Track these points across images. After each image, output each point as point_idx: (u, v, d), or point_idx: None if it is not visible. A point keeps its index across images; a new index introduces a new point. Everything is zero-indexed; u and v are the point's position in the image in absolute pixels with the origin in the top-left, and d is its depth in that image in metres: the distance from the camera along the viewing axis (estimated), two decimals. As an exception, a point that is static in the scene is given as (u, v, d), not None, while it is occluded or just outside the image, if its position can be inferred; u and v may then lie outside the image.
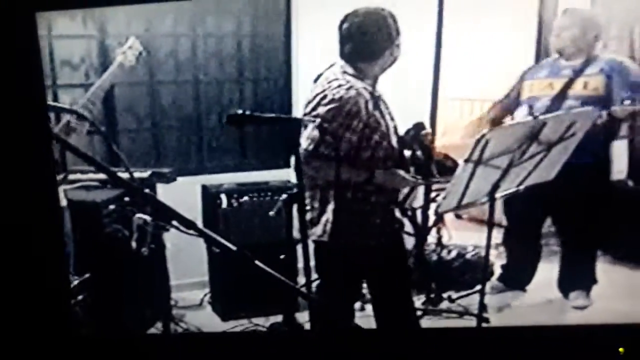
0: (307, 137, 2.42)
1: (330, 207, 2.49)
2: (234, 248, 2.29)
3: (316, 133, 2.40)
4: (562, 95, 3.24)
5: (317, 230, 2.54)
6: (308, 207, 2.56)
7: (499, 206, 4.29)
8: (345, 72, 2.47)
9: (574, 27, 3.25)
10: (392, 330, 2.72)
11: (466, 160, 2.32)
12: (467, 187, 2.40)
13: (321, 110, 2.41)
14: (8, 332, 2.22)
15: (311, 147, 2.40)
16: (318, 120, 2.38)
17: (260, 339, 2.95)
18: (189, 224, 2.21)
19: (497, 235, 4.26)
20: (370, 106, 2.43)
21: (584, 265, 3.56)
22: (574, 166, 2.70)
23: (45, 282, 2.19)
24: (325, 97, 2.42)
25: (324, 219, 2.52)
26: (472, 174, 2.37)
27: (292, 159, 2.31)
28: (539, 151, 2.48)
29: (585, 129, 2.57)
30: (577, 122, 2.50)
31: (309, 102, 2.50)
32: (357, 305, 3.24)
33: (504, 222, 3.78)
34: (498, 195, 2.54)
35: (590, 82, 3.21)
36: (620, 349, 2.42)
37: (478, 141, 2.26)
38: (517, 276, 3.70)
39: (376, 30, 2.43)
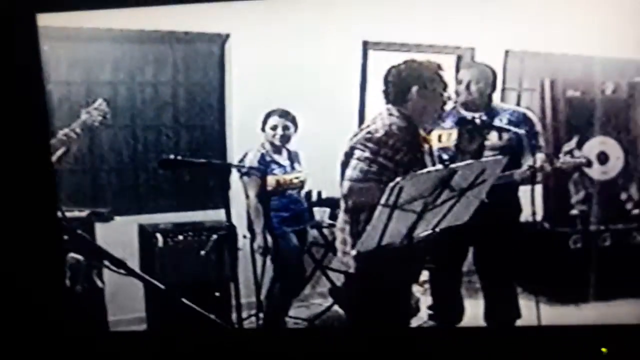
0: None
1: None
2: (161, 287, 2.42)
3: None
4: (480, 149, 3.35)
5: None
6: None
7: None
8: None
9: (481, 80, 3.40)
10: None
11: (382, 205, 2.49)
12: (384, 229, 2.57)
13: None
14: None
15: None
16: None
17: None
18: (118, 264, 2.33)
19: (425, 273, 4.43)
20: None
21: (505, 300, 3.67)
22: (487, 207, 2.87)
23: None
24: None
25: None
26: (389, 218, 2.53)
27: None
28: (451, 196, 2.65)
29: (495, 176, 2.77)
30: (487, 169, 2.69)
31: None
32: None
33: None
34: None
35: (503, 134, 3.35)
36: (603, 349, 2.56)
37: (392, 188, 2.44)
38: (447, 314, 3.76)
39: None
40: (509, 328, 3.40)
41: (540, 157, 3.32)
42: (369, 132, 2.72)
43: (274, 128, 3.63)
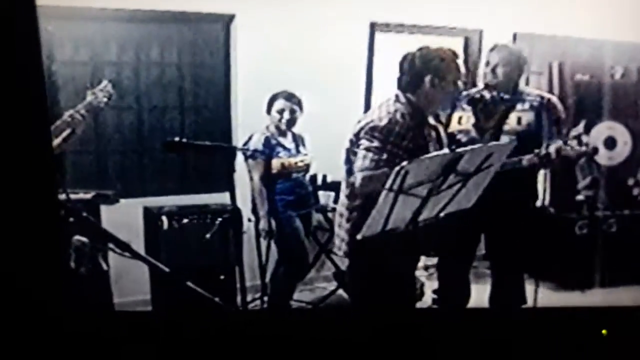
0: None
1: None
2: (166, 270, 2.41)
3: None
4: (497, 130, 3.31)
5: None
6: None
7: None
8: None
9: (508, 63, 3.31)
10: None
11: (387, 190, 2.47)
12: (389, 214, 2.55)
13: None
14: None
15: None
16: None
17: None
18: (123, 247, 2.32)
19: (428, 257, 4.42)
20: None
21: (513, 286, 3.62)
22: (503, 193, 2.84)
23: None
24: None
25: None
26: (394, 203, 2.51)
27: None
28: (456, 181, 2.62)
29: (501, 161, 2.74)
30: (494, 154, 2.66)
31: None
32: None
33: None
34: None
35: (523, 118, 3.30)
36: (603, 331, 2.56)
37: (398, 172, 2.41)
38: (452, 299, 3.69)
39: None
40: (509, 310, 3.39)
41: (554, 143, 3.28)
42: (372, 121, 2.70)
43: (281, 112, 3.59)
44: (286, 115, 3.60)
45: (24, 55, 2.09)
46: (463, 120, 3.41)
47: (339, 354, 2.76)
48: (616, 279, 4.02)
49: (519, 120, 3.32)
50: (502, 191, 2.89)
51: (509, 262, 3.61)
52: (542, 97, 3.40)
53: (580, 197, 4.26)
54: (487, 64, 3.39)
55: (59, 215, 2.43)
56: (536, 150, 3.19)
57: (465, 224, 3.07)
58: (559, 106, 3.42)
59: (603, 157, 4.21)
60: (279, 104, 3.59)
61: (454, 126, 3.43)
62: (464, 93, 3.33)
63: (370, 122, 2.69)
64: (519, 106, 3.33)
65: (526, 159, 3.21)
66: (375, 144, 2.66)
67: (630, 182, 4.46)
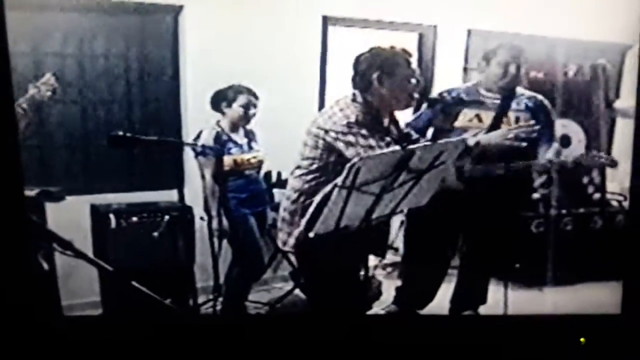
0: None
1: None
2: (110, 269, 2.33)
3: None
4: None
5: None
6: None
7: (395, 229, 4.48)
8: None
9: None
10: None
11: (340, 187, 2.42)
12: (342, 211, 2.51)
13: None
14: None
15: None
16: None
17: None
18: (65, 245, 2.23)
19: (387, 256, 4.40)
20: None
21: (481, 285, 3.68)
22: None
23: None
24: None
25: None
26: (347, 199, 2.47)
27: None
28: (409, 179, 2.60)
29: (453, 159, 2.73)
30: (445, 151, 2.64)
31: None
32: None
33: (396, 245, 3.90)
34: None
35: (520, 118, 3.33)
36: (582, 339, 2.56)
37: (350, 168, 2.37)
38: (416, 298, 3.69)
39: None
40: (491, 317, 3.40)
41: (554, 148, 3.33)
42: (344, 117, 2.68)
43: (246, 106, 3.52)
44: (252, 110, 3.54)
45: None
46: (464, 117, 3.41)
47: (296, 355, 2.73)
48: (571, 277, 4.06)
49: (517, 120, 3.33)
50: (496, 195, 2.91)
51: (484, 263, 3.65)
52: (534, 98, 3.42)
53: (536, 196, 4.30)
54: (488, 62, 3.40)
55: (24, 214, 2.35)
56: (548, 158, 3.22)
57: (447, 223, 3.14)
58: (550, 107, 3.46)
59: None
60: (243, 98, 3.52)
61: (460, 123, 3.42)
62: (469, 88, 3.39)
63: (342, 118, 2.68)
64: (513, 106, 3.35)
65: (539, 165, 3.26)
66: (349, 138, 2.66)
67: (585, 180, 4.51)
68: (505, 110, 3.34)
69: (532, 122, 3.23)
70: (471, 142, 3.06)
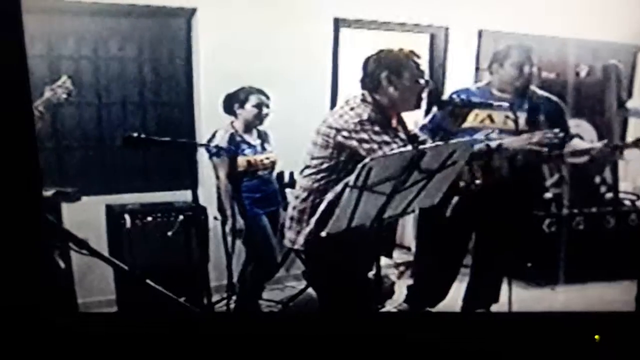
0: None
1: None
2: (125, 267, 2.36)
3: None
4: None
5: None
6: None
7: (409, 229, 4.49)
8: None
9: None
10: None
11: (352, 187, 2.44)
12: (354, 211, 2.53)
13: None
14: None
15: None
16: None
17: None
18: (80, 244, 2.27)
19: (399, 255, 4.42)
20: None
21: (493, 283, 3.66)
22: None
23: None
24: None
25: None
26: (358, 199, 2.49)
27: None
28: (421, 178, 2.61)
29: (465, 158, 2.73)
30: (457, 151, 2.65)
31: None
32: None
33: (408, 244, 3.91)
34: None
35: (536, 119, 3.30)
36: (596, 336, 2.56)
37: (362, 168, 2.39)
38: (428, 297, 3.69)
39: None
40: (504, 313, 3.38)
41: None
42: (355, 116, 2.69)
43: (259, 106, 3.54)
44: (265, 110, 3.56)
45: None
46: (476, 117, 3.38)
47: (309, 353, 2.74)
48: (584, 276, 4.06)
49: (532, 122, 3.30)
50: (508, 194, 2.91)
51: (497, 262, 3.62)
52: (548, 99, 3.41)
53: (548, 195, 4.29)
54: (501, 63, 3.38)
55: (41, 214, 2.38)
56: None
57: (459, 222, 3.12)
58: (565, 109, 3.45)
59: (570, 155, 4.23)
60: (254, 99, 3.53)
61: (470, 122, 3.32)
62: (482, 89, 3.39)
63: (355, 117, 2.67)
64: (525, 106, 3.32)
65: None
66: (363, 135, 2.65)
67: (597, 179, 4.50)
68: (516, 111, 3.26)
69: (557, 130, 3.22)
70: (493, 144, 3.08)
